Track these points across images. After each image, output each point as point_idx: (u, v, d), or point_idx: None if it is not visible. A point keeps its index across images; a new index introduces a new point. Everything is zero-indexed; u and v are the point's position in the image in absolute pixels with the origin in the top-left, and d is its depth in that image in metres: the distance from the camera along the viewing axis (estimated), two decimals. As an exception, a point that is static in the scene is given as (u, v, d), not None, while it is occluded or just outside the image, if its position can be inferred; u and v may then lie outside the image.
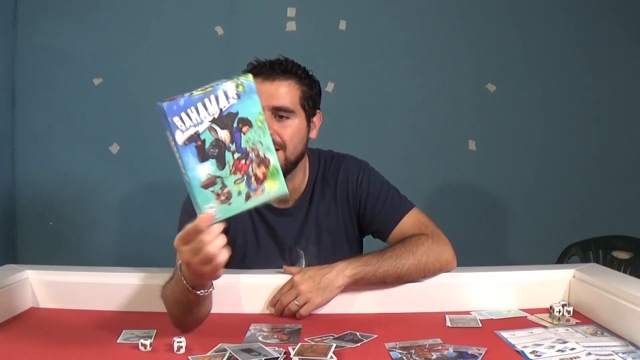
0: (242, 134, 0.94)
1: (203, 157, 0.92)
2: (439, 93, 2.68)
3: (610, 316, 1.17)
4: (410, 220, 1.44)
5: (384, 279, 1.29)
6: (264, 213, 1.48)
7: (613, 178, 2.70)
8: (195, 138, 0.91)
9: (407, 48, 2.66)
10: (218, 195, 0.94)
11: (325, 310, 1.30)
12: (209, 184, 0.93)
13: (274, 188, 0.98)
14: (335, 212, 1.50)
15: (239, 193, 0.95)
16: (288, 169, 1.38)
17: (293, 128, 1.38)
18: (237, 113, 0.93)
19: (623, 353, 1.02)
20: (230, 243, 1.45)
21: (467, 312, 1.29)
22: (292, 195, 1.46)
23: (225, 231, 1.37)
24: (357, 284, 1.28)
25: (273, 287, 1.31)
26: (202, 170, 0.92)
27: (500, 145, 2.70)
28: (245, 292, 1.32)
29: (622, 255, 2.16)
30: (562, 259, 2.18)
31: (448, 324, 1.23)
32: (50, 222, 2.61)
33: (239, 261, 1.46)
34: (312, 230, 1.49)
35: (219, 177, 0.93)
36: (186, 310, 1.14)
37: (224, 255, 1.00)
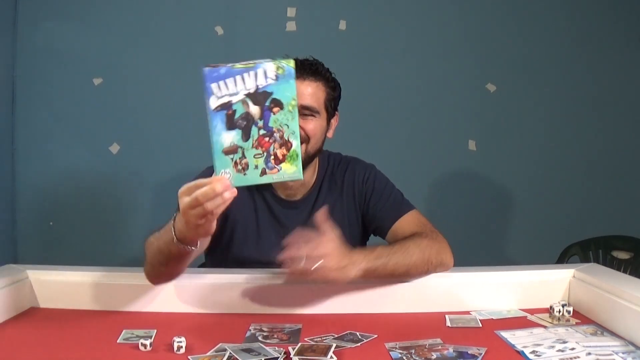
0: (272, 114, 0.98)
1: (231, 125, 0.98)
2: (439, 93, 2.68)
3: (610, 316, 1.17)
4: (410, 219, 1.48)
5: (393, 272, 1.28)
6: (270, 203, 1.51)
7: (613, 178, 2.70)
8: (227, 106, 0.97)
9: (407, 48, 2.67)
10: (236, 163, 0.99)
11: (325, 310, 1.30)
12: (230, 151, 0.99)
13: (290, 171, 1.01)
14: (340, 210, 1.53)
15: (256, 167, 0.99)
16: (306, 161, 1.43)
17: (315, 124, 1.44)
18: (272, 93, 0.97)
19: (623, 353, 1.02)
20: (230, 229, 1.47)
21: (467, 312, 1.29)
22: (300, 189, 1.52)
23: (225, 218, 1.39)
24: (366, 278, 1.26)
25: (273, 287, 1.31)
26: (227, 138, 0.98)
27: (500, 145, 2.70)
28: (245, 292, 1.32)
29: (622, 255, 2.16)
30: (562, 259, 2.18)
31: (448, 324, 1.23)
32: (50, 222, 2.61)
33: (237, 249, 1.47)
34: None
35: (240, 147, 0.98)
36: (164, 260, 1.20)
37: (217, 212, 1.02)
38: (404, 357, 1.02)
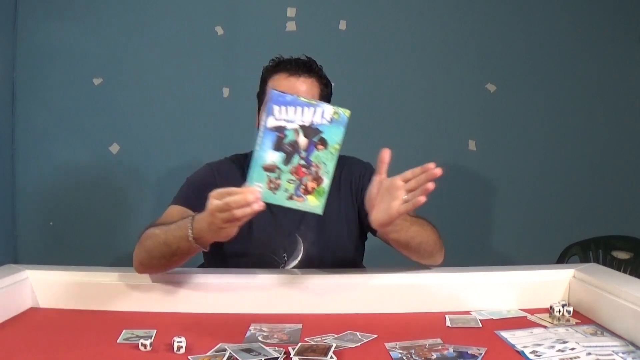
0: (315, 149, 1.09)
1: (278, 147, 1.08)
2: (439, 93, 2.68)
3: (610, 316, 1.17)
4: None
5: (411, 239, 1.30)
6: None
7: (613, 178, 2.70)
8: (281, 130, 1.07)
9: (407, 48, 2.66)
10: (270, 181, 1.08)
11: (325, 310, 1.30)
12: (269, 168, 1.08)
13: (313, 204, 1.11)
14: (338, 207, 1.54)
15: (286, 190, 1.08)
16: None
17: None
18: (322, 132, 1.09)
19: (623, 353, 1.02)
20: None
21: (467, 312, 1.29)
22: None
23: None
24: (389, 236, 1.28)
25: (273, 287, 1.31)
26: (271, 156, 1.07)
27: (500, 145, 2.70)
28: (245, 292, 1.32)
29: (622, 255, 2.16)
30: (562, 259, 2.18)
31: (448, 324, 1.23)
32: (50, 222, 2.61)
33: (230, 242, 1.48)
34: (313, 218, 1.50)
35: (279, 168, 1.08)
36: (169, 254, 1.24)
37: (243, 220, 1.10)
38: (404, 357, 1.02)
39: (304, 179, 1.09)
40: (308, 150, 1.08)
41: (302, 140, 1.08)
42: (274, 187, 1.08)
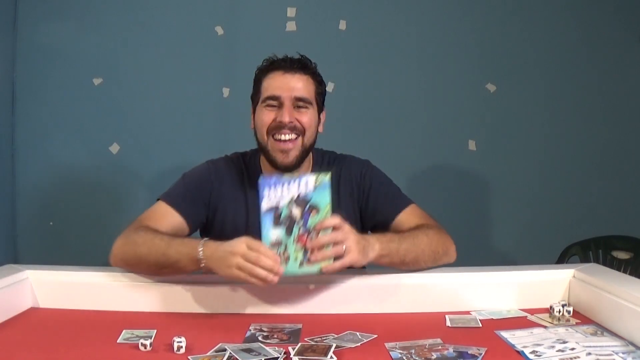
0: (310, 216, 1.18)
1: (277, 223, 1.18)
2: (439, 93, 2.68)
3: (610, 316, 1.17)
4: (411, 212, 1.49)
5: (404, 257, 1.32)
6: None
7: (613, 178, 2.70)
8: (275, 209, 1.18)
9: (407, 48, 2.66)
10: (280, 255, 1.17)
11: (325, 310, 1.30)
12: (275, 244, 1.18)
13: (324, 263, 1.18)
14: (337, 208, 1.50)
15: (296, 259, 1.18)
16: (302, 158, 1.47)
17: (310, 116, 1.48)
18: (311, 200, 1.18)
19: (623, 353, 1.02)
20: (219, 224, 1.48)
21: (467, 312, 1.29)
22: None
23: (213, 212, 1.49)
24: (379, 262, 1.30)
25: (273, 287, 1.30)
26: (274, 233, 1.18)
27: (500, 145, 2.70)
28: (245, 292, 1.32)
29: (622, 255, 2.16)
30: (562, 259, 2.18)
31: (448, 324, 1.23)
32: (50, 222, 2.61)
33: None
34: None
35: (284, 242, 1.18)
36: (163, 265, 1.27)
37: (253, 278, 1.16)
38: (404, 357, 1.02)
39: (308, 244, 1.18)
40: (304, 219, 1.18)
41: (296, 212, 1.18)
42: (285, 259, 1.18)
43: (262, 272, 1.15)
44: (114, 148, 2.62)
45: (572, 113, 2.69)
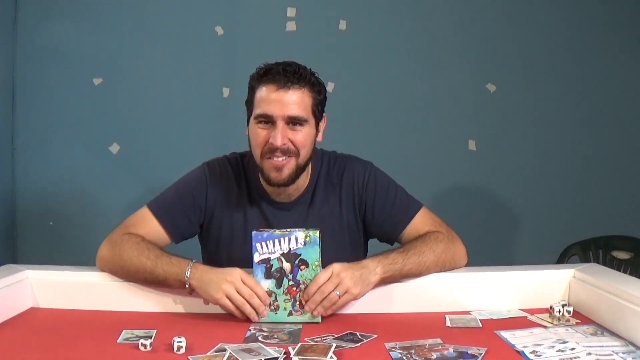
0: (299, 270, 1.24)
1: (268, 275, 1.25)
2: (439, 93, 2.68)
3: (610, 316, 1.17)
4: (422, 219, 1.46)
5: (407, 275, 1.33)
6: (261, 205, 1.48)
7: (613, 178, 2.70)
8: (266, 261, 1.25)
9: (407, 48, 2.66)
10: (270, 304, 1.25)
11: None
12: (267, 293, 1.25)
13: (310, 314, 1.25)
14: (339, 215, 1.49)
15: (285, 308, 1.25)
16: (297, 174, 1.41)
17: (305, 135, 1.39)
18: (300, 255, 1.24)
19: (623, 353, 1.02)
20: (216, 229, 1.47)
21: (467, 312, 1.29)
22: (293, 192, 1.47)
23: (210, 219, 1.48)
24: (383, 283, 1.31)
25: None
26: (265, 284, 1.25)
27: (500, 145, 2.70)
28: (245, 292, 1.31)
29: (622, 255, 2.16)
30: (562, 259, 2.18)
31: (448, 324, 1.23)
32: (50, 222, 2.61)
33: (226, 248, 1.47)
34: (313, 227, 1.48)
35: (274, 292, 1.25)
36: (149, 280, 1.31)
37: (237, 310, 1.24)
38: (404, 357, 1.02)
39: (296, 296, 1.24)
40: (293, 272, 1.24)
41: (286, 266, 1.24)
42: (275, 309, 1.25)
43: (250, 310, 1.22)
44: (114, 148, 2.62)
45: (572, 113, 2.69)
